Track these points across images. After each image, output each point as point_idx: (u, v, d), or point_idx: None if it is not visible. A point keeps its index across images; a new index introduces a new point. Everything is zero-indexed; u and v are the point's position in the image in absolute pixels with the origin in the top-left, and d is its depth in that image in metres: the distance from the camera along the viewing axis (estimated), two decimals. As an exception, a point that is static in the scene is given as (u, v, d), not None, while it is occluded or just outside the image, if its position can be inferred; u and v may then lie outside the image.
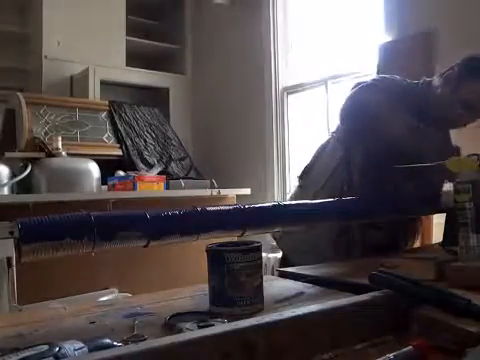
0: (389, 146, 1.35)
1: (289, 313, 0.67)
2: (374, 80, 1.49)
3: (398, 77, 1.55)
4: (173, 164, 3.63)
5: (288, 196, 3.53)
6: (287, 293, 0.93)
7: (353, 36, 3.30)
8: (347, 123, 1.46)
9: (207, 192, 3.14)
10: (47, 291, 2.11)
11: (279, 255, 3.01)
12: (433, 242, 1.82)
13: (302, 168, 1.65)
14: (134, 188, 2.92)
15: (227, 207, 1.00)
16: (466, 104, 1.39)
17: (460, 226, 1.01)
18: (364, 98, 1.41)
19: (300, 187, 1.62)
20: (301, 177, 1.63)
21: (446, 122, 1.49)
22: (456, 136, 1.57)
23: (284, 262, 1.57)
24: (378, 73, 2.69)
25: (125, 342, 0.66)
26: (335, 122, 1.63)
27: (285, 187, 3.69)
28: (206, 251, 0.85)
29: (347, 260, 1.29)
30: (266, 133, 3.73)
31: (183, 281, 1.26)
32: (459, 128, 1.50)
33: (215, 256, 0.83)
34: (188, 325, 0.70)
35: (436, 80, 1.48)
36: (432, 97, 1.46)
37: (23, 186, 2.71)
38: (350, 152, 1.48)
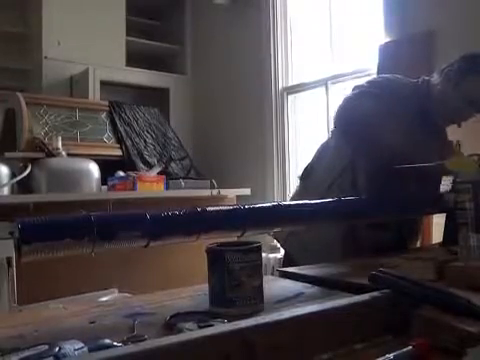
0: (381, 152, 1.37)
1: (289, 313, 0.67)
2: (369, 85, 1.50)
3: (399, 76, 1.54)
4: (173, 164, 3.63)
5: (288, 196, 3.53)
6: (287, 293, 0.93)
7: (353, 36, 3.31)
8: (338, 130, 1.51)
9: (207, 192, 3.14)
10: (47, 291, 2.11)
11: (279, 255, 3.03)
12: (433, 242, 1.82)
13: (303, 168, 1.65)
14: (134, 188, 2.92)
15: (227, 207, 1.00)
16: (467, 99, 1.39)
17: (460, 226, 1.01)
18: (354, 106, 1.44)
19: (303, 187, 1.61)
20: (303, 177, 1.62)
21: (447, 118, 1.49)
22: (456, 131, 1.57)
23: (289, 263, 1.56)
24: (378, 74, 2.69)
25: (125, 342, 0.66)
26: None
27: (285, 187, 3.69)
28: (206, 251, 0.85)
29: (349, 260, 1.28)
30: (266, 133, 3.73)
31: (183, 281, 1.26)
32: (459, 123, 1.51)
33: (215, 256, 0.83)
34: (188, 325, 0.71)
35: (435, 77, 1.48)
36: (433, 94, 1.46)
37: (23, 186, 2.71)
38: (355, 155, 1.48)
